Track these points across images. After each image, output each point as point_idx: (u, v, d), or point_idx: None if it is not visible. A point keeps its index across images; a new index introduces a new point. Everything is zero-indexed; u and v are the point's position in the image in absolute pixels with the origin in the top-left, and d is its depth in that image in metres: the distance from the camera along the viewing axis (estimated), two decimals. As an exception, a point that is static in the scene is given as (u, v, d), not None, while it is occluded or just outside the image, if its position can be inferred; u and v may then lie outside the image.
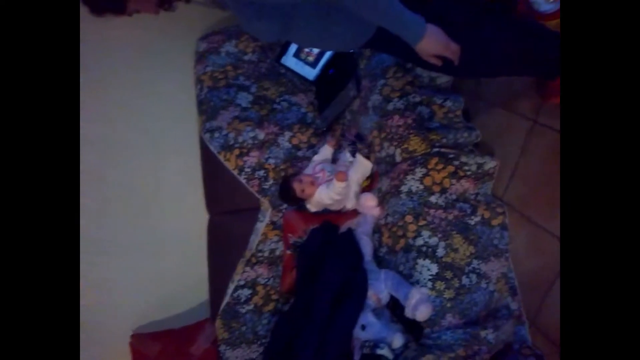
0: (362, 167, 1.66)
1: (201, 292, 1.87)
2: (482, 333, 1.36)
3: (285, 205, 1.74)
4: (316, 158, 1.71)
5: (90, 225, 1.75)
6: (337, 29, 1.13)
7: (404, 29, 1.02)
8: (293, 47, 1.86)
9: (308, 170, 1.69)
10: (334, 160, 1.75)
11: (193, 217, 1.89)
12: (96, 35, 1.74)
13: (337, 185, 1.53)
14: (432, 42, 1.02)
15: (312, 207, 1.68)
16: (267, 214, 1.72)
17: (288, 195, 1.63)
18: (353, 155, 1.68)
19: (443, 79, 1.63)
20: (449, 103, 1.56)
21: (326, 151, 1.70)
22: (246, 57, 1.87)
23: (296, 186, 1.60)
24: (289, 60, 1.89)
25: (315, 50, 1.85)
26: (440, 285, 1.37)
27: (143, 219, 1.87)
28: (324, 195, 1.60)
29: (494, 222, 1.46)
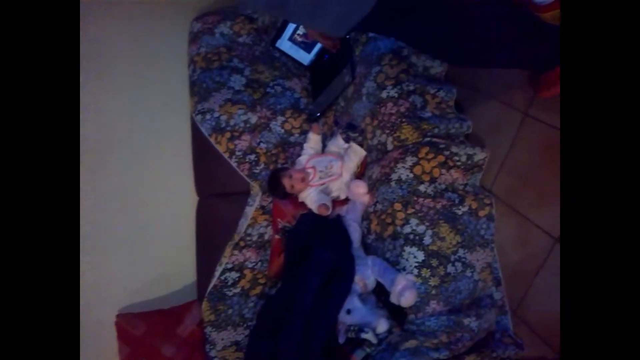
0: (356, 154, 1.66)
1: (189, 274, 1.87)
2: (465, 321, 1.39)
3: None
4: (306, 146, 1.70)
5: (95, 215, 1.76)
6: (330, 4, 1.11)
7: None
8: (288, 31, 1.84)
9: (301, 162, 1.69)
10: (324, 146, 1.75)
11: (182, 198, 1.88)
12: (103, 31, 1.74)
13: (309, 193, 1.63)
14: None
15: (302, 199, 1.68)
16: (256, 198, 1.72)
17: (278, 190, 1.64)
18: (347, 141, 1.68)
19: (437, 69, 1.63)
20: (441, 93, 1.57)
21: (313, 139, 1.70)
22: (241, 40, 1.85)
23: (286, 182, 1.61)
24: (284, 44, 1.87)
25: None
26: (425, 272, 1.39)
27: (131, 200, 1.86)
28: (309, 202, 1.65)
29: (481, 213, 1.48)
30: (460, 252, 1.43)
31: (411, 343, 1.34)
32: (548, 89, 1.32)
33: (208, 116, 1.70)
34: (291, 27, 1.81)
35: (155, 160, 1.91)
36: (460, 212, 1.46)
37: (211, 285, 1.68)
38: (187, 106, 1.84)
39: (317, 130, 1.69)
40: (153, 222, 1.89)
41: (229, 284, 1.69)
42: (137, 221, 1.87)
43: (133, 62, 1.85)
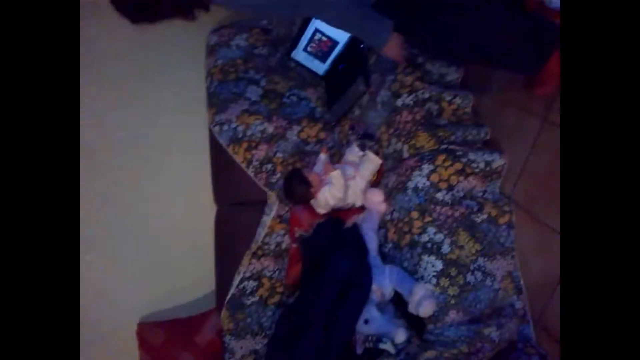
0: (371, 163, 1.66)
1: (207, 283, 1.89)
2: (486, 331, 1.36)
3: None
4: (316, 167, 1.70)
5: (99, 215, 1.80)
6: None
7: (369, 38, 1.33)
8: (303, 42, 1.86)
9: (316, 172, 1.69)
10: (340, 156, 1.76)
11: (201, 208, 1.91)
12: (103, 31, 1.74)
13: (333, 175, 1.57)
14: (394, 49, 1.34)
15: (320, 209, 1.68)
16: (274, 208, 1.73)
17: (294, 193, 1.63)
18: (362, 149, 1.68)
19: (453, 75, 1.62)
20: (458, 100, 1.56)
21: (322, 159, 1.69)
22: (256, 51, 1.88)
23: (307, 173, 1.61)
24: (299, 54, 1.89)
25: (326, 43, 1.84)
26: (444, 281, 1.37)
27: (151, 210, 1.90)
28: (327, 195, 1.61)
29: (501, 221, 1.46)
30: (480, 260, 1.41)
31: (430, 353, 1.32)
32: (542, 86, 1.34)
33: (225, 127, 1.72)
34: (306, 37, 1.82)
35: (171, 168, 1.94)
36: (479, 220, 1.44)
37: (230, 293, 1.70)
38: (197, 110, 1.87)
39: (326, 150, 1.70)
40: (172, 233, 1.92)
41: (247, 292, 1.70)
42: (158, 232, 1.90)
43: (135, 63, 1.87)
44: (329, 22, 1.24)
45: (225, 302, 1.70)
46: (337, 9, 1.15)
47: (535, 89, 1.37)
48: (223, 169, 1.79)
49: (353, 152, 1.70)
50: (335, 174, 1.58)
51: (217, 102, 1.77)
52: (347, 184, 1.62)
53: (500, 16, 1.20)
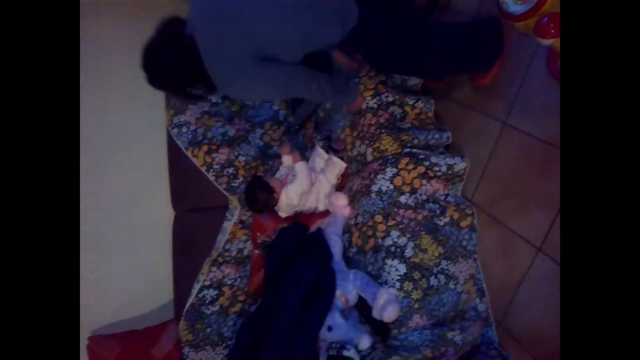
0: (336, 167, 1.64)
1: (166, 292, 1.80)
2: (449, 334, 1.35)
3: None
4: (281, 167, 1.67)
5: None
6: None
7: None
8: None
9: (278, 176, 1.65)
10: (307, 159, 1.72)
11: (159, 214, 1.82)
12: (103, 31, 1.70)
13: (298, 165, 1.58)
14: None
15: (282, 213, 1.63)
16: (235, 213, 1.68)
17: (255, 197, 1.58)
18: (327, 152, 1.65)
19: (414, 80, 1.63)
20: (420, 104, 1.56)
21: (286, 160, 1.66)
22: (218, 51, 1.82)
23: (268, 178, 1.57)
24: (263, 56, 1.85)
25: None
26: (408, 285, 1.36)
27: (106, 215, 1.79)
28: (292, 192, 1.56)
29: (463, 224, 1.46)
30: (443, 263, 1.41)
31: (395, 359, 1.30)
32: (484, 77, 1.44)
33: (184, 129, 1.66)
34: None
35: (127, 172, 1.82)
36: (441, 223, 1.44)
37: (188, 303, 1.62)
38: (162, 109, 1.77)
39: (286, 151, 1.66)
40: (128, 240, 1.81)
41: (207, 301, 1.63)
42: (113, 239, 1.79)
43: (133, 62, 1.80)
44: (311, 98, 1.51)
45: (184, 312, 1.62)
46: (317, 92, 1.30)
47: (479, 81, 1.46)
48: (181, 173, 1.71)
49: (319, 155, 1.67)
50: (300, 164, 1.57)
51: (175, 103, 1.70)
52: (311, 180, 1.60)
53: (450, 39, 1.30)
